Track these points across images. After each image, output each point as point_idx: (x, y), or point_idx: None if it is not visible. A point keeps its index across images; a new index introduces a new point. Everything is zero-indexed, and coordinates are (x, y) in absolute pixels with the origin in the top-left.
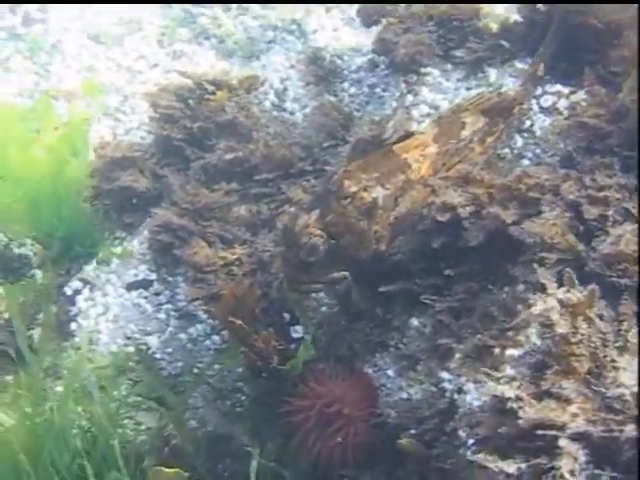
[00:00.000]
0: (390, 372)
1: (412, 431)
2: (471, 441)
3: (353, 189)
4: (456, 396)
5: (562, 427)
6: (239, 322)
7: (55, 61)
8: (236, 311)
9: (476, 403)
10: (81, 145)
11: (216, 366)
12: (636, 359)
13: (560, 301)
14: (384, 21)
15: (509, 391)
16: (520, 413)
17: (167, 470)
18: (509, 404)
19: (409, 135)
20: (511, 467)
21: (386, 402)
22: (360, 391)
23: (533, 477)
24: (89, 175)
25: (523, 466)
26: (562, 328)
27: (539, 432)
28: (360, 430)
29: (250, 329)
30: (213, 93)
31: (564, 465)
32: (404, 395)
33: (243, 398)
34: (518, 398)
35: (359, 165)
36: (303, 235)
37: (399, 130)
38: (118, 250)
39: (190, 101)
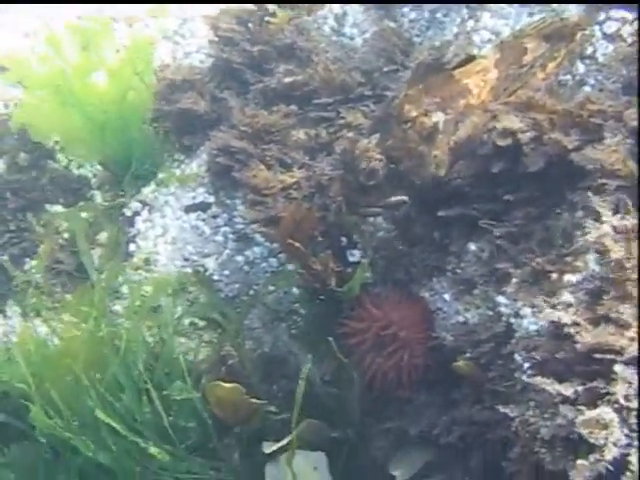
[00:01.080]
0: (447, 296)
1: (468, 354)
2: (527, 364)
3: (413, 113)
4: (512, 320)
5: (619, 351)
6: (297, 244)
7: None
8: (294, 233)
9: (533, 327)
10: (144, 68)
11: (272, 288)
12: None
13: (614, 227)
14: None
15: (566, 317)
16: (577, 338)
17: (225, 385)
18: (566, 329)
19: (470, 59)
20: (568, 390)
21: (442, 325)
22: (416, 314)
23: (589, 400)
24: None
25: (580, 389)
26: (617, 254)
27: (596, 356)
28: (416, 353)
29: (308, 251)
30: (273, 15)
31: (619, 390)
32: (460, 319)
33: (299, 320)
34: (575, 323)
35: (420, 89)
36: (363, 159)
37: (460, 54)
38: (177, 173)
39: (250, 24)
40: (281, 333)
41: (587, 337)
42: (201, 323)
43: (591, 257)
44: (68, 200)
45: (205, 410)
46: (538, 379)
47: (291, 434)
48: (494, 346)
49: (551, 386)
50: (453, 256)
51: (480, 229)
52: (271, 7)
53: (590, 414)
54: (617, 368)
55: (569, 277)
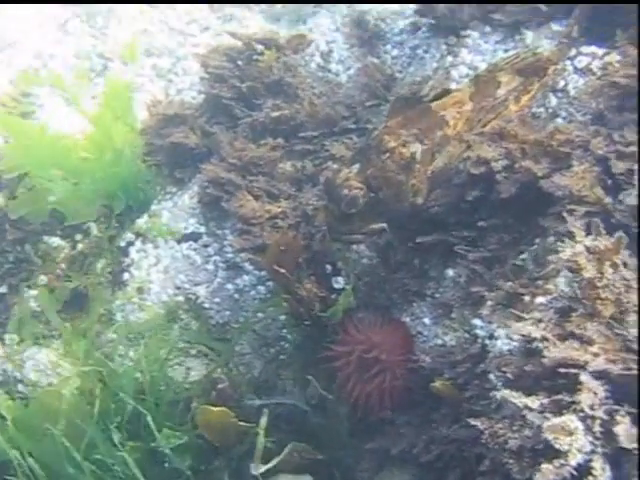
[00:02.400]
0: (426, 320)
1: (446, 375)
2: (499, 381)
3: (392, 144)
4: (487, 342)
5: (583, 365)
6: (283, 271)
7: (111, 24)
8: (281, 261)
9: (506, 347)
10: (124, 111)
11: (261, 315)
12: None
13: (587, 247)
14: None
15: (536, 331)
16: (545, 352)
17: (214, 409)
18: (535, 344)
19: (446, 92)
20: (534, 403)
21: (422, 348)
22: (397, 338)
23: (555, 411)
24: (140, 133)
25: (545, 401)
26: (589, 273)
27: (562, 370)
28: (397, 375)
29: (294, 278)
30: (261, 54)
31: (584, 399)
32: (439, 341)
33: (287, 346)
34: (544, 338)
35: (398, 121)
36: (344, 187)
37: (437, 88)
38: (169, 204)
39: (239, 62)
40: (270, 358)
41: (554, 352)
42: (192, 350)
43: (561, 280)
44: (66, 232)
45: (195, 434)
46: (507, 392)
47: (277, 457)
48: (470, 366)
49: (518, 399)
50: (432, 281)
51: (458, 255)
52: (259, 47)
53: (556, 420)
54: (583, 378)
55: (540, 299)
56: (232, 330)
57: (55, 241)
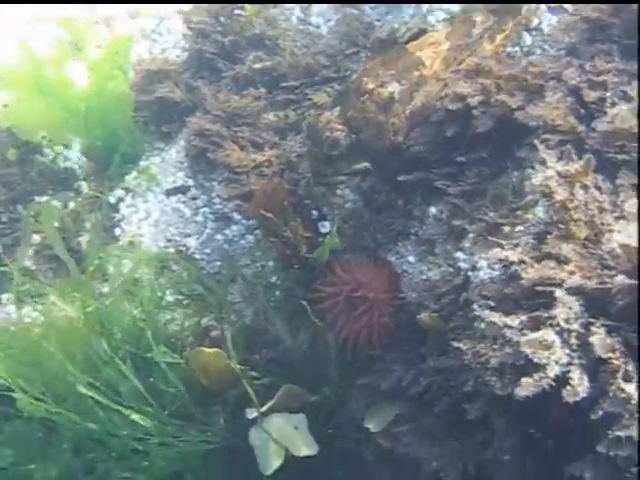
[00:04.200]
0: (411, 258)
1: (431, 308)
2: (482, 308)
3: (371, 85)
4: (470, 273)
5: (560, 283)
6: (269, 215)
7: None
8: (267, 206)
9: (487, 276)
10: (123, 61)
11: (250, 262)
12: (633, 223)
13: (558, 172)
14: None
15: (513, 255)
16: (523, 274)
17: (207, 350)
18: (513, 267)
19: (422, 33)
20: (514, 321)
21: (408, 285)
22: (383, 277)
23: (533, 327)
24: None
25: (524, 318)
26: (560, 195)
27: (539, 289)
28: (384, 312)
29: (280, 221)
30: (242, 8)
31: (559, 314)
32: (424, 277)
33: (276, 292)
34: (521, 261)
35: (376, 63)
36: (326, 130)
37: (413, 29)
38: (157, 160)
39: (221, 17)
40: (260, 305)
41: (531, 272)
42: (185, 300)
43: (540, 208)
44: (56, 191)
45: (190, 377)
46: (486, 312)
47: (271, 400)
48: (454, 298)
49: (499, 319)
50: (416, 220)
51: (439, 192)
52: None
53: (533, 335)
54: (558, 294)
55: (520, 228)
56: (223, 278)
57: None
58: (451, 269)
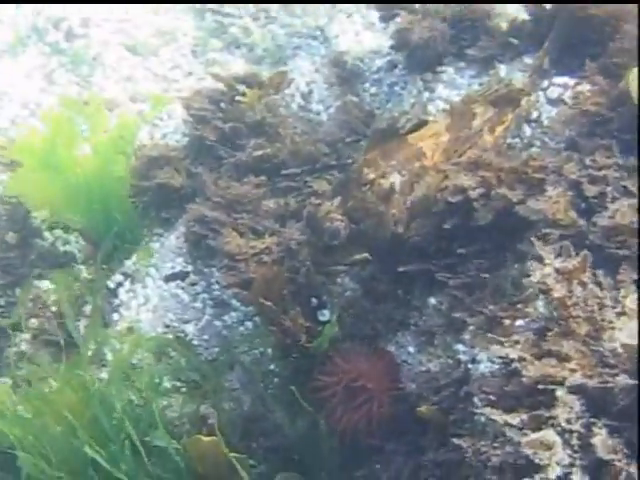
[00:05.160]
0: (411, 348)
1: (431, 400)
2: (482, 402)
3: (372, 176)
4: (470, 365)
5: (561, 381)
6: (269, 303)
7: (96, 72)
8: (266, 294)
9: (488, 370)
10: (128, 146)
11: (249, 349)
12: (634, 321)
13: (556, 269)
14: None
15: (514, 352)
16: (524, 372)
17: (205, 439)
18: (514, 364)
19: (422, 124)
20: (515, 419)
21: (408, 376)
22: (383, 367)
23: (534, 427)
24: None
25: (525, 417)
26: (558, 292)
27: (540, 387)
28: (383, 403)
29: (279, 309)
30: (243, 95)
31: (561, 414)
32: (423, 368)
33: (275, 380)
34: (522, 359)
35: (377, 154)
36: (326, 220)
37: (413, 120)
38: (157, 245)
39: (222, 104)
40: (260, 392)
41: (532, 370)
42: (183, 387)
43: (540, 302)
44: (56, 275)
45: (187, 465)
46: (487, 409)
47: None
48: (454, 390)
49: (499, 416)
50: (416, 310)
51: (439, 283)
52: (241, 87)
53: (535, 435)
54: (559, 393)
55: (520, 322)
56: (221, 365)
57: (45, 285)
58: (451, 361)
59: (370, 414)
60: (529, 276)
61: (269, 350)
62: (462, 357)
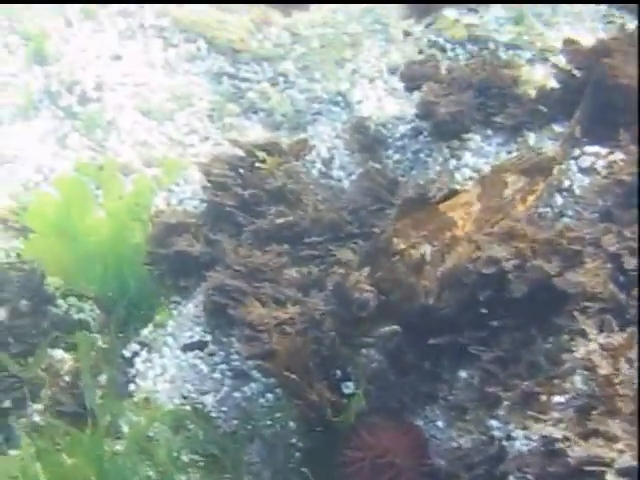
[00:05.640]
0: (440, 423)
1: (463, 478)
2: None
3: (402, 246)
4: (505, 443)
5: (610, 463)
6: (294, 376)
7: (110, 137)
8: (290, 366)
9: (525, 448)
10: (143, 212)
11: (270, 422)
12: None
13: (601, 345)
14: (426, 86)
15: (557, 432)
16: (569, 452)
17: None
18: (557, 444)
19: (454, 193)
20: None
21: (437, 451)
22: (410, 442)
23: None
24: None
25: None
26: (605, 370)
27: (587, 469)
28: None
29: (304, 383)
30: (263, 161)
31: None
32: (454, 444)
33: (296, 454)
34: (566, 438)
35: (407, 223)
36: (355, 291)
37: (444, 189)
38: (174, 314)
39: (241, 170)
40: (280, 467)
41: (578, 451)
42: (201, 461)
43: (578, 378)
44: (69, 343)
45: None
46: None
47: None
48: (488, 468)
49: None
50: (445, 383)
51: (470, 356)
52: (261, 154)
53: None
54: (609, 477)
55: (557, 398)
56: (240, 438)
57: (59, 354)
58: (484, 437)
59: None
60: (571, 351)
61: (291, 423)
62: (496, 433)
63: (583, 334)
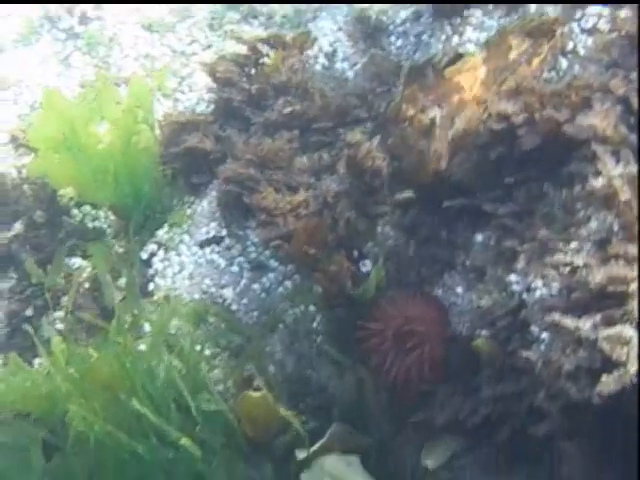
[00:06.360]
0: (459, 289)
1: (485, 334)
2: (548, 313)
3: (411, 112)
4: (525, 295)
5: (631, 281)
6: (313, 250)
7: (113, 53)
8: (309, 244)
9: (546, 293)
10: (148, 114)
11: (290, 311)
12: None
13: (620, 174)
14: None
15: (578, 259)
16: (589, 278)
17: (254, 395)
18: (579, 272)
19: (458, 57)
20: (586, 323)
21: (457, 317)
22: (431, 309)
23: (606, 325)
24: (156, 142)
25: (597, 318)
26: (625, 195)
27: (609, 290)
28: (435, 345)
29: (323, 256)
30: (267, 56)
31: (635, 307)
32: (475, 305)
33: (319, 339)
34: (587, 265)
35: (415, 90)
36: (367, 160)
37: (449, 54)
38: (188, 212)
39: (246, 68)
40: (302, 353)
41: (599, 275)
42: (223, 353)
43: (593, 224)
44: (86, 252)
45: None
46: (557, 316)
47: (321, 440)
48: (511, 320)
49: (571, 322)
50: (461, 250)
51: (485, 218)
52: (265, 49)
53: (611, 330)
54: (631, 288)
55: (575, 245)
56: (262, 328)
57: (76, 261)
58: (504, 294)
59: (421, 359)
60: (586, 187)
61: (311, 308)
62: (516, 288)
63: (598, 172)
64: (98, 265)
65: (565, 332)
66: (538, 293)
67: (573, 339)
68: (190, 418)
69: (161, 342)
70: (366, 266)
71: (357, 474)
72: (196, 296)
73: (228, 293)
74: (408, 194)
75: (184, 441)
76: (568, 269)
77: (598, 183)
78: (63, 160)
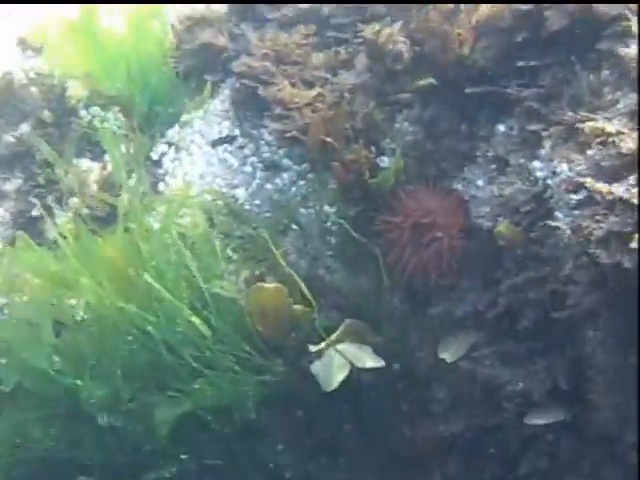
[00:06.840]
0: (480, 182)
1: (508, 221)
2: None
3: None
4: (549, 181)
5: None
6: (330, 139)
7: None
8: (327, 133)
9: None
10: (159, 9)
11: (304, 211)
12: None
13: None
14: None
15: (610, 127)
16: (621, 144)
17: (267, 286)
18: (611, 138)
19: None
20: (619, 188)
21: (477, 210)
22: (451, 202)
23: None
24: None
25: (631, 179)
26: None
27: None
28: (454, 238)
29: (341, 146)
30: None
31: None
32: (496, 194)
33: (333, 240)
34: (619, 132)
35: None
36: (388, 44)
37: None
38: (200, 112)
39: None
40: (317, 253)
41: (631, 141)
42: (236, 253)
43: (621, 105)
44: (95, 152)
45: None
46: (588, 180)
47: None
48: (535, 206)
49: (603, 187)
50: (482, 141)
51: (507, 108)
52: None
53: None
54: None
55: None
56: (275, 228)
57: (85, 163)
58: (527, 182)
59: (440, 252)
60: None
61: (326, 207)
62: (539, 174)
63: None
64: (112, 155)
65: (594, 200)
66: (562, 177)
67: (604, 205)
68: (202, 300)
69: (172, 223)
70: (384, 162)
71: (368, 355)
72: (207, 196)
73: (240, 193)
74: (429, 81)
75: (194, 319)
76: (598, 140)
77: (631, 52)
78: (77, 49)
